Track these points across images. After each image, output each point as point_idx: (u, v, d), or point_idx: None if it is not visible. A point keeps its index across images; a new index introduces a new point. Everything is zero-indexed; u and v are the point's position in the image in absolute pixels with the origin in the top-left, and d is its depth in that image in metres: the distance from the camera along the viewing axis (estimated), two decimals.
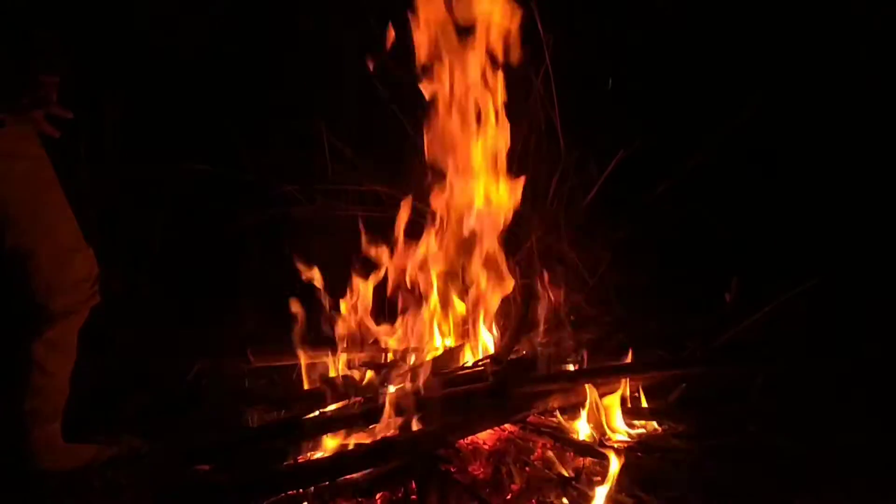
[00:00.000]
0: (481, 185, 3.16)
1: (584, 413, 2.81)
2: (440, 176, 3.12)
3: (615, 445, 2.78)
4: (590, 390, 2.82)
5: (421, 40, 3.03)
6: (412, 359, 3.14)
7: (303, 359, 3.03)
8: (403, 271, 3.18)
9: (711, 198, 4.01)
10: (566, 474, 2.61)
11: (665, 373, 3.06)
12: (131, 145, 3.89)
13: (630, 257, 3.90)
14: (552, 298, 3.60)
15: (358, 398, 2.84)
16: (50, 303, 2.51)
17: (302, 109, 4.10)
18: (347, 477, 2.51)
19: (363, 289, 3.16)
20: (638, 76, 4.07)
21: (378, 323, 3.19)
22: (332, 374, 3.05)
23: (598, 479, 2.64)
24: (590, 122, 3.81)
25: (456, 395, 2.83)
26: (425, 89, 3.09)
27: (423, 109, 3.10)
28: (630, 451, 2.76)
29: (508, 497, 2.53)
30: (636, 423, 2.90)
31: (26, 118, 2.44)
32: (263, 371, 3.21)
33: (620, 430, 2.84)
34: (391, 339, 3.19)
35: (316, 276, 3.14)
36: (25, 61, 2.36)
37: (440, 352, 3.17)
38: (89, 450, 2.69)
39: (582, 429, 2.80)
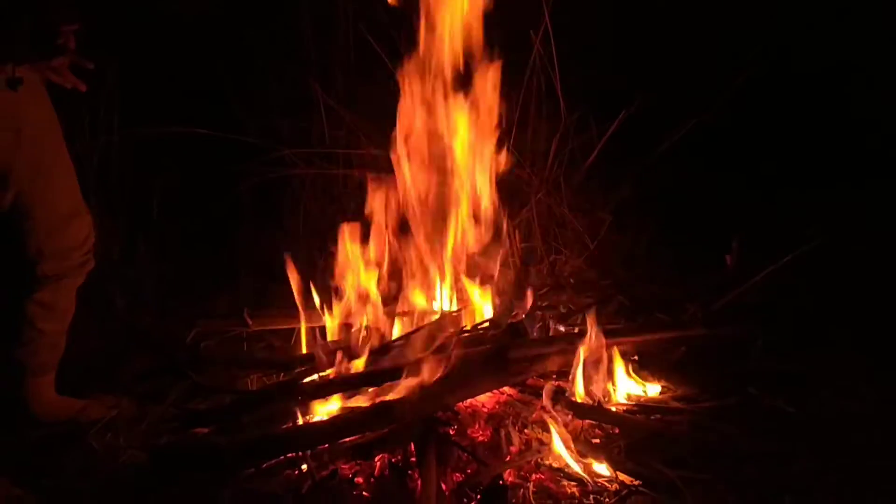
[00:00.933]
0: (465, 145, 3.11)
1: (581, 375, 2.80)
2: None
3: (613, 408, 2.79)
4: (587, 353, 2.81)
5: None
6: (410, 323, 3.12)
7: (302, 323, 3.02)
8: (401, 236, 3.15)
9: (713, 159, 3.97)
10: (565, 436, 2.61)
11: (665, 335, 3.05)
12: (129, 109, 3.84)
13: (631, 220, 3.87)
14: (551, 261, 3.60)
15: (356, 361, 2.83)
16: (40, 266, 2.52)
17: (299, 72, 4.04)
18: (346, 440, 2.52)
19: (362, 254, 3.14)
20: (639, 34, 4.01)
21: (377, 287, 3.17)
22: (331, 338, 3.04)
23: (597, 440, 2.65)
24: (590, 82, 3.76)
25: (455, 359, 2.82)
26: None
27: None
28: (629, 413, 2.77)
29: (507, 459, 2.53)
30: (635, 385, 2.89)
31: (46, 72, 2.40)
32: (262, 335, 3.20)
33: (620, 393, 2.84)
34: (390, 303, 3.17)
35: None
36: (44, 9, 2.31)
37: (438, 316, 3.15)
38: (77, 403, 2.71)
39: (580, 392, 2.79)
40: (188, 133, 3.64)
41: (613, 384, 2.86)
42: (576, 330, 3.00)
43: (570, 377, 2.79)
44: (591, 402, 2.77)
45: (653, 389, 2.90)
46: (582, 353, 2.78)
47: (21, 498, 2.31)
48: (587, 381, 2.81)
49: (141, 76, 3.80)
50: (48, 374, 2.67)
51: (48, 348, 2.64)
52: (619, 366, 2.87)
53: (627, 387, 2.88)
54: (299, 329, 3.04)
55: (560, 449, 2.51)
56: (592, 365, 2.82)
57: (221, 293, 3.40)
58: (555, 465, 2.53)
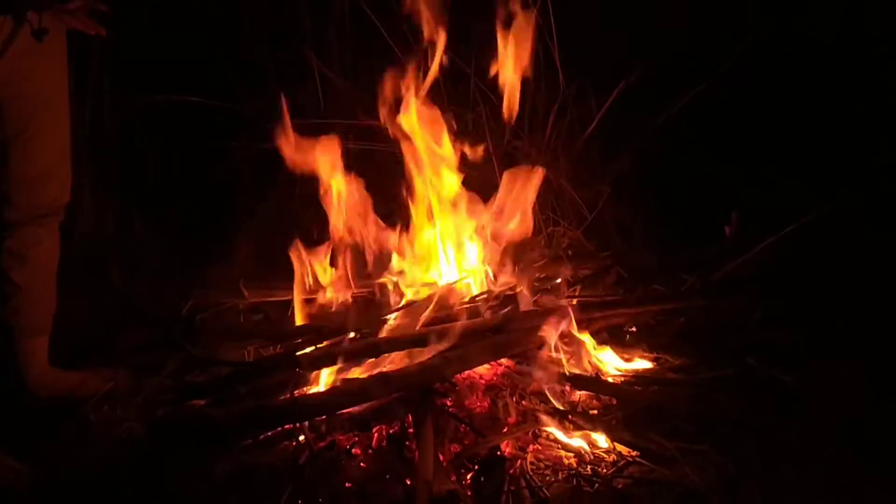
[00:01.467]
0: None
1: (579, 346, 2.79)
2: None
3: (612, 379, 2.78)
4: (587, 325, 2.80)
5: None
6: (410, 294, 3.11)
7: (298, 294, 3.00)
8: (398, 208, 3.13)
9: (713, 130, 3.93)
10: (562, 407, 2.61)
11: (663, 306, 3.04)
12: (119, 78, 3.79)
13: (629, 191, 3.85)
14: (549, 233, 3.58)
15: (354, 333, 2.82)
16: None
17: (294, 41, 3.99)
18: (344, 411, 2.52)
19: (361, 224, 3.12)
20: (639, 2, 3.95)
21: (375, 258, 3.15)
22: (328, 309, 3.02)
23: (595, 412, 2.65)
24: (590, 51, 3.71)
25: (454, 330, 2.81)
26: None
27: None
28: (627, 385, 2.77)
29: (504, 430, 2.53)
30: (634, 356, 2.88)
31: (66, 18, 2.38)
32: (258, 306, 3.19)
33: (618, 364, 2.83)
34: (387, 274, 3.15)
35: None
36: None
37: (437, 287, 3.13)
38: (74, 377, 2.70)
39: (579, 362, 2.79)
40: (180, 101, 3.60)
41: (611, 355, 2.85)
42: (574, 301, 2.98)
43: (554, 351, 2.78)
44: (588, 373, 2.76)
45: (651, 361, 2.89)
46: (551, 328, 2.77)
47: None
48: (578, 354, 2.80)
49: (131, 45, 3.73)
50: (38, 337, 2.64)
51: (31, 306, 2.61)
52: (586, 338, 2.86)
53: (625, 358, 2.87)
54: (295, 301, 3.01)
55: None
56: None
57: (217, 265, 3.37)
58: (552, 436, 2.53)
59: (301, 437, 2.42)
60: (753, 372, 2.79)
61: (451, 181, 3.07)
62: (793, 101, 4.04)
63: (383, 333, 2.81)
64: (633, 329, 3.00)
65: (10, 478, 2.29)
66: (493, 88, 3.24)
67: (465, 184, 3.09)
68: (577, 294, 3.12)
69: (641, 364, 2.87)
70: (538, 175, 3.09)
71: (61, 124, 2.55)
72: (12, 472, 2.30)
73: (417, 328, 2.80)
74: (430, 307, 2.94)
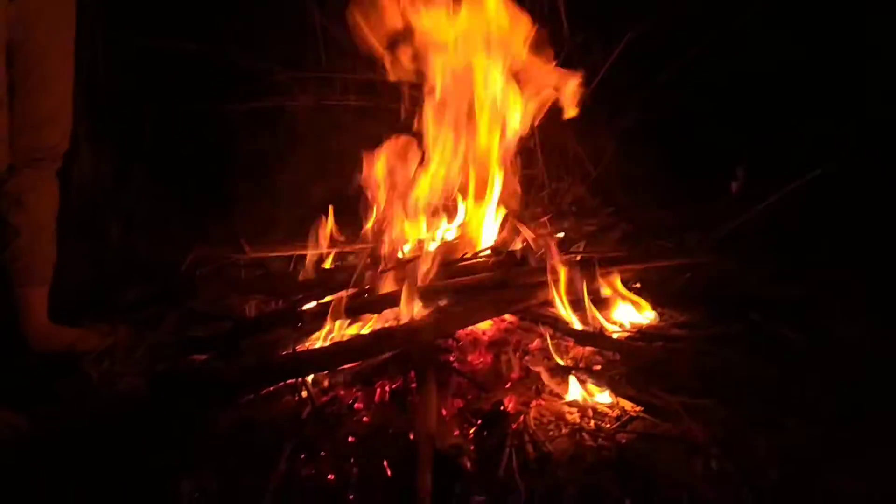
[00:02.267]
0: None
1: (584, 303, 2.77)
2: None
3: (615, 335, 2.76)
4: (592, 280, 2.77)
5: None
6: (412, 250, 3.08)
7: (299, 250, 2.97)
8: (401, 165, 3.09)
9: (720, 84, 3.87)
10: (565, 364, 2.59)
11: (669, 262, 3.01)
12: (119, 29, 3.72)
13: (634, 146, 3.79)
14: (554, 188, 3.54)
15: (357, 289, 2.80)
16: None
17: None
18: (346, 366, 2.50)
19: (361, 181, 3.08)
20: None
21: (377, 215, 3.12)
22: (329, 265, 3.00)
23: (598, 367, 2.63)
24: (596, 3, 3.63)
25: (456, 287, 2.79)
26: None
27: None
28: (631, 341, 2.75)
29: (507, 386, 2.52)
30: (638, 312, 2.85)
31: None
32: (259, 261, 3.16)
33: (621, 320, 2.81)
34: (390, 230, 3.12)
35: None
36: None
37: (440, 243, 3.11)
38: (73, 332, 2.69)
39: (582, 319, 2.76)
40: (178, 49, 3.53)
41: (616, 311, 2.83)
42: (578, 258, 2.95)
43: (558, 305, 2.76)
44: (592, 329, 2.74)
45: (656, 316, 2.87)
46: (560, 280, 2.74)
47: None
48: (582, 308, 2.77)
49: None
50: (37, 287, 2.63)
51: (30, 253, 2.60)
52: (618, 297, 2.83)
53: (630, 314, 2.85)
54: (297, 256, 2.99)
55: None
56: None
57: (217, 220, 3.34)
58: (555, 391, 2.51)
59: (303, 392, 2.41)
60: (758, 328, 2.76)
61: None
62: (802, 55, 3.97)
63: (386, 289, 2.79)
64: (639, 285, 2.97)
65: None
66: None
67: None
68: (581, 250, 3.08)
69: (646, 320, 2.85)
70: None
71: (65, 71, 2.54)
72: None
73: (420, 284, 2.78)
74: (433, 263, 2.92)
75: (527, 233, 2.99)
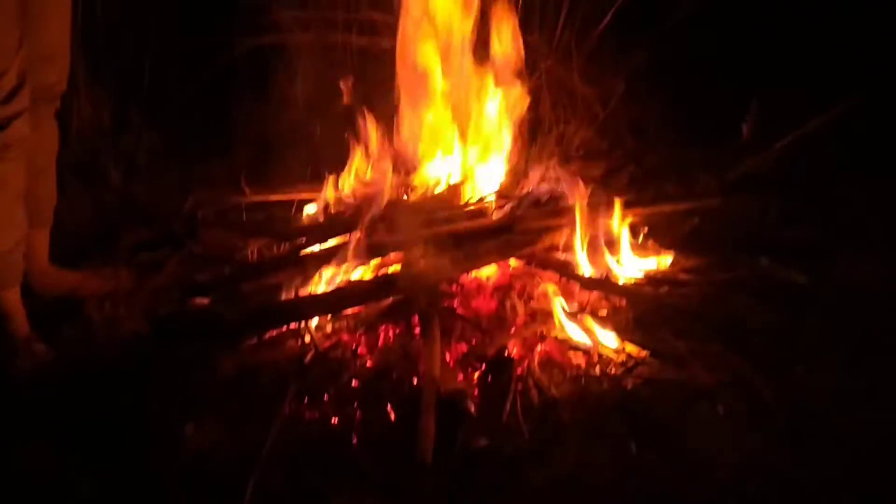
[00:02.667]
0: None
1: (589, 247, 2.73)
2: None
3: (622, 280, 2.73)
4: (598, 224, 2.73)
5: None
6: (415, 194, 3.04)
7: (302, 193, 2.93)
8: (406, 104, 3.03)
9: (730, 22, 3.76)
10: (571, 308, 2.57)
11: (677, 206, 2.96)
12: None
13: (643, 88, 3.71)
14: (560, 131, 3.48)
15: (360, 233, 2.76)
16: None
17: None
18: (349, 311, 2.48)
19: (364, 122, 3.02)
20: None
21: (380, 158, 3.07)
22: (332, 208, 2.96)
23: (604, 312, 2.61)
24: None
25: (461, 231, 2.75)
26: None
27: None
28: (638, 286, 2.72)
29: (512, 331, 2.50)
30: (645, 257, 2.82)
31: None
32: (261, 205, 3.12)
33: (628, 265, 2.77)
34: (393, 174, 3.07)
35: None
36: None
37: (445, 187, 3.06)
38: (75, 276, 2.67)
39: (588, 263, 2.73)
40: None
41: (619, 256, 2.79)
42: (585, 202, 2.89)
43: (573, 249, 2.72)
44: (598, 274, 2.71)
45: (663, 261, 2.83)
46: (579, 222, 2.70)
47: (48, 357, 2.29)
48: (593, 253, 2.74)
49: None
50: (38, 229, 2.58)
51: (30, 194, 2.49)
52: (625, 237, 2.79)
53: (634, 259, 2.81)
54: (299, 199, 2.95)
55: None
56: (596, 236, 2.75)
57: (217, 162, 3.29)
58: (561, 336, 2.49)
59: (306, 337, 2.39)
60: (767, 272, 2.73)
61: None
62: None
63: (390, 233, 2.75)
64: (646, 229, 2.93)
65: (31, 361, 2.28)
66: None
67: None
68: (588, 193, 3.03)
69: (653, 264, 2.81)
70: None
71: (64, 8, 2.46)
72: (41, 357, 2.29)
73: (424, 229, 2.74)
74: (437, 207, 2.88)
75: (558, 172, 2.92)
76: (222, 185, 3.11)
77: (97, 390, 2.19)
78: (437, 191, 3.04)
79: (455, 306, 2.57)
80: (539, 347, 2.45)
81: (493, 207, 2.90)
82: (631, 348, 2.44)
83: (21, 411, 2.14)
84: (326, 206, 2.96)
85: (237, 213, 3.09)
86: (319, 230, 2.80)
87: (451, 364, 2.33)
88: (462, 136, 3.11)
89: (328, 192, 2.98)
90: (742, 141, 3.30)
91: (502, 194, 2.95)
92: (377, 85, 3.03)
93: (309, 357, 2.32)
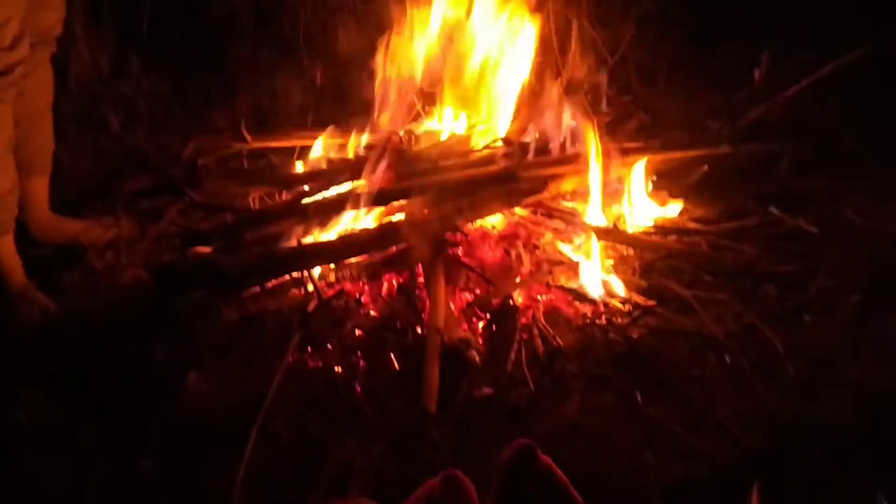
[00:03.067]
0: None
1: (596, 196, 2.68)
2: None
3: (630, 229, 2.69)
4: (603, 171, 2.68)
5: None
6: (419, 142, 2.99)
7: (303, 140, 2.88)
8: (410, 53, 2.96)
9: None
10: (577, 258, 2.54)
11: (687, 154, 2.91)
12: None
13: (654, 33, 3.61)
14: (568, 76, 3.40)
15: (363, 181, 2.72)
16: None
17: None
18: (352, 260, 2.46)
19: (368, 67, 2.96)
20: None
21: (382, 105, 3.01)
22: (334, 155, 2.91)
23: (612, 261, 2.58)
24: None
25: (465, 179, 2.71)
26: None
27: None
28: (646, 234, 2.68)
29: (517, 280, 2.47)
30: (653, 205, 2.77)
31: None
32: (262, 152, 3.07)
33: (637, 213, 2.73)
34: (397, 121, 3.02)
35: None
36: None
37: (449, 135, 3.01)
38: (76, 224, 2.64)
39: (595, 212, 2.69)
40: None
41: (630, 204, 2.75)
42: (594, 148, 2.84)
43: (585, 197, 2.67)
44: (606, 223, 2.67)
45: (671, 210, 2.79)
46: (595, 171, 2.65)
47: (50, 309, 2.29)
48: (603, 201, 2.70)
49: None
50: (37, 177, 2.56)
51: (29, 141, 2.49)
52: (638, 185, 2.74)
53: (645, 207, 2.77)
54: (301, 147, 2.90)
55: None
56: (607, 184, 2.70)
57: (217, 109, 3.23)
58: (566, 285, 2.47)
59: (309, 286, 2.37)
60: (777, 221, 2.69)
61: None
62: None
63: (393, 182, 2.71)
64: (655, 177, 2.88)
65: (41, 315, 2.27)
66: None
67: None
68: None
69: (662, 213, 2.77)
70: None
71: None
72: (44, 309, 2.28)
73: (428, 177, 2.70)
74: (443, 155, 2.83)
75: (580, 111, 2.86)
76: (223, 131, 3.05)
77: (99, 338, 2.18)
78: (443, 138, 2.99)
79: (460, 255, 2.53)
80: (544, 297, 2.43)
81: (500, 154, 2.84)
82: (638, 298, 2.42)
83: (23, 360, 2.13)
84: (328, 154, 2.91)
85: (238, 160, 3.05)
86: (322, 178, 2.75)
87: (456, 313, 2.31)
88: (467, 83, 3.05)
89: (330, 139, 2.92)
90: (753, 88, 3.22)
91: (508, 141, 2.89)
92: (380, 31, 2.95)
93: (312, 306, 2.30)
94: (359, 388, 2.09)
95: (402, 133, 2.96)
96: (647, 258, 2.58)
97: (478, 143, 2.97)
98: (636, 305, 2.40)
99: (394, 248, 2.46)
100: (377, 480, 1.79)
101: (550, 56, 3.40)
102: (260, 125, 3.06)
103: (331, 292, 2.37)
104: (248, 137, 2.95)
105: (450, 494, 1.40)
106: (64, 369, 2.10)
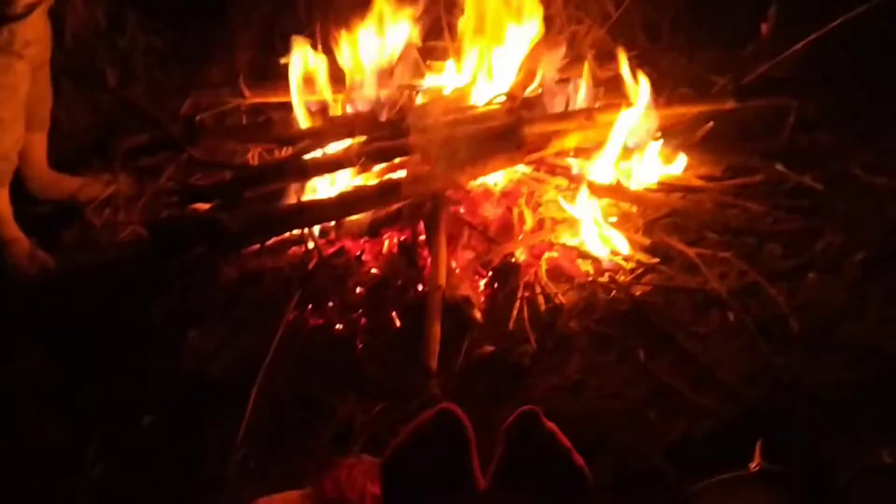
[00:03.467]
0: None
1: (600, 152, 2.65)
2: None
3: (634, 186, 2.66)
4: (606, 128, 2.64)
5: None
6: (420, 97, 2.94)
7: (302, 95, 2.83)
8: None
9: None
10: (580, 215, 2.51)
11: (691, 109, 2.86)
12: None
13: None
14: (571, 32, 3.34)
15: (363, 137, 2.68)
16: None
17: None
18: (353, 217, 2.44)
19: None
20: None
21: (383, 59, 2.96)
22: (334, 111, 2.87)
23: (614, 219, 2.55)
24: None
25: (467, 135, 2.67)
26: None
27: None
28: (650, 192, 2.66)
29: (519, 238, 2.45)
30: (658, 163, 2.74)
31: None
32: (260, 108, 3.03)
33: (640, 170, 2.70)
34: (399, 77, 2.97)
35: None
36: None
37: (451, 90, 2.96)
38: (74, 181, 2.63)
39: (598, 169, 2.66)
40: None
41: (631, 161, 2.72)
42: (596, 105, 2.80)
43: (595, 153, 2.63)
44: (609, 180, 2.64)
45: (676, 166, 2.76)
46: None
47: (48, 264, 2.26)
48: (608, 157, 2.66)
49: None
50: (34, 133, 2.55)
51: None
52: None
53: (646, 164, 2.73)
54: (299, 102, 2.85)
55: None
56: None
57: (216, 64, 3.18)
58: (569, 243, 2.45)
59: (309, 244, 2.35)
60: (782, 178, 2.65)
61: None
62: None
63: (394, 138, 2.67)
64: (660, 134, 2.84)
65: (39, 271, 2.25)
66: None
67: None
68: (600, 96, 2.93)
69: (666, 170, 2.74)
70: None
71: None
72: (43, 265, 2.26)
73: (430, 134, 2.66)
74: (445, 110, 2.79)
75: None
76: (221, 87, 3.01)
77: (98, 295, 2.17)
78: (445, 93, 2.94)
79: (461, 213, 2.51)
80: (547, 255, 2.41)
81: (502, 110, 2.80)
82: (641, 255, 2.40)
83: (22, 317, 2.12)
84: (327, 110, 2.86)
85: (236, 116, 3.01)
86: (321, 134, 2.71)
87: (458, 271, 2.30)
88: (470, 36, 2.99)
89: (329, 94, 2.88)
90: (760, 43, 3.16)
91: (511, 96, 2.84)
92: None
93: (312, 264, 2.29)
94: (360, 346, 2.09)
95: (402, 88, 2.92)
96: (650, 215, 2.56)
97: (480, 98, 2.93)
98: (639, 263, 2.38)
99: (395, 206, 2.45)
100: (378, 438, 1.79)
101: (554, 10, 3.35)
102: (258, 80, 3.00)
103: (331, 250, 2.36)
104: (247, 93, 2.90)
105: (442, 430, 1.41)
106: (63, 326, 2.09)
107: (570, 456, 1.42)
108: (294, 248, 2.40)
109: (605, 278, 2.33)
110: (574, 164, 2.70)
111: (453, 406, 1.44)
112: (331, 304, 2.21)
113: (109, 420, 1.84)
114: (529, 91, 2.92)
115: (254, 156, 2.79)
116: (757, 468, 1.67)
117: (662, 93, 3.01)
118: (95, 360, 2.00)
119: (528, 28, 2.96)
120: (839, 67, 3.07)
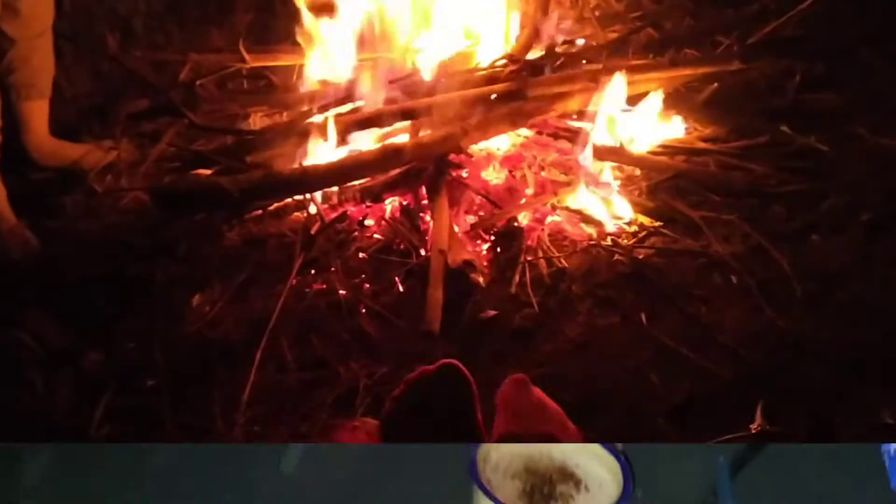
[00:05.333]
0: None
1: (604, 114, 2.63)
2: None
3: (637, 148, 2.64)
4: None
5: None
6: (422, 60, 2.92)
7: (304, 58, 2.81)
8: None
9: None
10: (583, 178, 2.50)
11: (696, 70, 2.83)
12: None
13: None
14: None
15: (363, 101, 2.67)
16: None
17: None
18: (355, 182, 2.43)
19: None
20: None
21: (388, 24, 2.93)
22: (335, 76, 2.84)
23: (618, 182, 2.54)
24: None
25: (470, 98, 2.65)
26: None
27: None
28: (654, 154, 2.64)
29: (522, 202, 2.44)
30: (661, 125, 2.72)
31: None
32: (261, 71, 3.00)
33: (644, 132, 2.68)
34: (400, 37, 2.94)
35: None
36: None
37: (453, 52, 2.93)
38: (76, 148, 2.62)
39: (602, 132, 2.64)
40: None
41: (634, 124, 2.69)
42: (600, 66, 2.77)
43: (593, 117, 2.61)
44: (612, 143, 2.62)
45: (679, 128, 2.74)
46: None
47: (32, 244, 2.26)
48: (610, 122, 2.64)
49: None
50: (36, 100, 2.53)
51: (27, 64, 2.47)
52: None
53: (650, 126, 2.71)
54: (301, 65, 2.83)
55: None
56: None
57: (215, 27, 3.16)
58: (572, 207, 2.44)
59: (311, 208, 2.35)
60: (787, 139, 2.63)
61: None
62: None
63: (395, 101, 2.65)
64: (664, 95, 2.82)
65: (22, 248, 2.25)
66: None
67: None
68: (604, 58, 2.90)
69: (670, 132, 2.72)
70: None
71: None
72: (25, 242, 2.26)
73: (431, 96, 2.64)
74: (447, 73, 2.77)
75: None
76: (221, 50, 2.98)
77: (101, 261, 2.17)
78: (447, 55, 2.91)
79: (464, 177, 2.50)
80: (549, 219, 2.41)
81: (505, 72, 2.77)
82: (644, 218, 2.39)
83: (26, 283, 2.13)
84: (330, 73, 2.84)
85: (237, 79, 2.99)
86: (322, 98, 2.70)
87: (460, 235, 2.29)
88: None
89: (333, 59, 2.85)
90: (765, 3, 3.12)
91: (514, 58, 2.81)
92: None
93: (315, 228, 2.28)
94: (363, 310, 2.09)
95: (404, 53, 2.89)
96: (654, 178, 2.55)
97: (483, 60, 2.90)
98: (642, 226, 2.38)
99: (398, 170, 2.43)
100: (381, 401, 1.80)
101: None
102: (259, 44, 2.97)
103: (334, 214, 2.35)
104: (247, 56, 2.87)
105: (446, 378, 1.42)
106: (68, 291, 2.10)
107: (561, 417, 1.45)
108: (296, 213, 2.40)
109: (607, 241, 2.33)
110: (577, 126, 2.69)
111: (456, 363, 1.45)
112: (334, 268, 2.20)
113: (115, 383, 1.85)
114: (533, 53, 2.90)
115: (255, 120, 2.77)
116: (758, 429, 1.68)
117: (667, 53, 2.99)
118: (101, 324, 2.00)
119: None
120: (845, 27, 3.03)
